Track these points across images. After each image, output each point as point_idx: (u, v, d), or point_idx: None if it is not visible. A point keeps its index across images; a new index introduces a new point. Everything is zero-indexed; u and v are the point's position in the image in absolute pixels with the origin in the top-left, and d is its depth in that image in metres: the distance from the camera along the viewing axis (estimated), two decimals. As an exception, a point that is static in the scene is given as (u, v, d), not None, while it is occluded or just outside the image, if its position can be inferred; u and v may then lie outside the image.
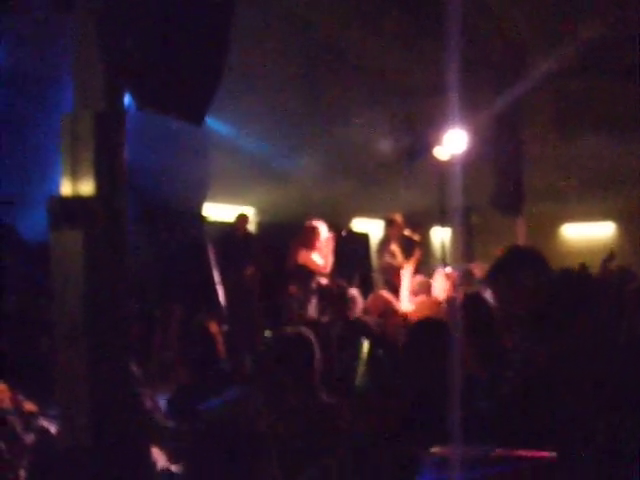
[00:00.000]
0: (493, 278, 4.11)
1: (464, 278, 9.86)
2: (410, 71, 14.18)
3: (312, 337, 4.94)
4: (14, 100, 8.41)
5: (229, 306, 10.77)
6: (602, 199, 17.51)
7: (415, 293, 9.12)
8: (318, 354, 4.91)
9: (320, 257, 10.81)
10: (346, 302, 8.44)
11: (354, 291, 9.01)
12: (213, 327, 6.18)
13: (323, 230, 10.91)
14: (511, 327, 4.12)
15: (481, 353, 4.54)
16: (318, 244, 10.83)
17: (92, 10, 3.91)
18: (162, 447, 4.62)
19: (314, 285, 10.63)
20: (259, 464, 3.98)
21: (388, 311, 7.51)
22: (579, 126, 15.84)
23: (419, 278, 9.84)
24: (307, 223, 11.04)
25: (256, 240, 12.43)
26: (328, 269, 10.90)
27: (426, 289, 9.15)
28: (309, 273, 10.66)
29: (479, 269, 9.94)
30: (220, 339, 6.14)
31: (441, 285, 9.11)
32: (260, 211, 13.51)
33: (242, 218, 12.38)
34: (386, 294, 8.18)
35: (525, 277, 3.92)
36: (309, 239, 10.85)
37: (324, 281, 10.64)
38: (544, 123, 16.52)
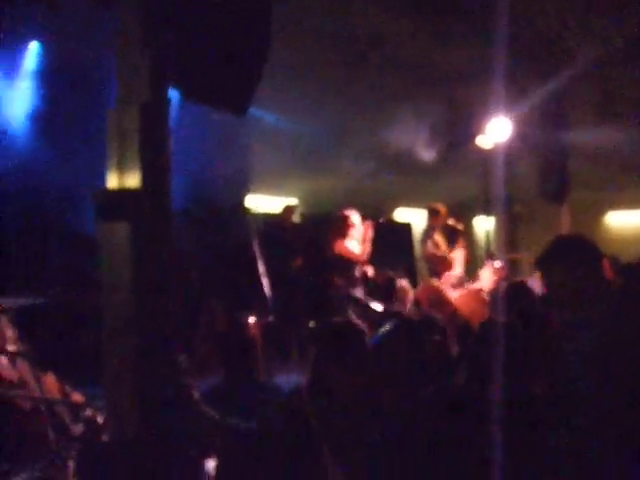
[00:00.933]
0: (541, 265, 4.06)
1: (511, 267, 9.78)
2: (454, 59, 14.10)
3: (363, 327, 4.92)
4: (64, 94, 8.50)
5: (275, 297, 10.77)
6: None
7: (453, 287, 9.09)
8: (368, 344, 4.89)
9: (356, 245, 10.78)
10: (394, 292, 8.40)
11: (404, 282, 8.98)
12: (254, 328, 6.10)
13: (355, 218, 10.86)
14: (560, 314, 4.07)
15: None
16: (351, 232, 10.78)
17: (135, 4, 3.93)
18: (209, 438, 4.64)
19: (357, 274, 10.60)
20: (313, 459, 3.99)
21: (440, 301, 7.42)
22: (623, 113, 15.67)
23: (458, 273, 9.79)
24: (339, 212, 11.02)
25: (303, 231, 12.41)
26: (365, 257, 10.85)
27: (462, 284, 9.12)
28: (348, 262, 10.61)
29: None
30: (259, 341, 6.04)
31: (489, 277, 9.06)
32: (304, 202, 13.52)
33: (289, 209, 12.39)
34: (437, 283, 8.11)
35: (572, 264, 3.87)
36: (342, 228, 10.81)
37: (370, 271, 10.60)
38: (586, 110, 16.36)
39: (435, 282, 8.23)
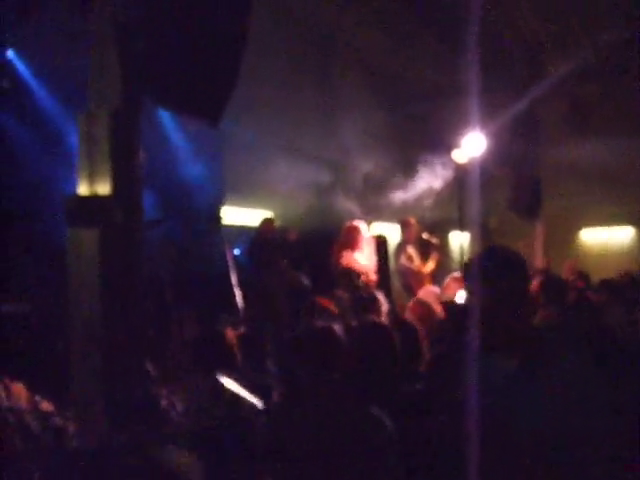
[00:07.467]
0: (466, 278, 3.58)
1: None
2: (428, 74, 14.16)
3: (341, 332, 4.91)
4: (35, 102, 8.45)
5: (254, 308, 10.59)
6: (620, 203, 17.38)
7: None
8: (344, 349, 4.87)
9: (363, 258, 10.61)
10: (374, 304, 8.31)
11: (379, 294, 8.95)
12: (231, 335, 6.09)
13: (364, 229, 10.74)
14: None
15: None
16: (360, 244, 10.62)
17: (110, 12, 3.93)
18: (178, 445, 4.61)
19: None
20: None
21: (429, 315, 7.26)
22: (595, 129, 15.80)
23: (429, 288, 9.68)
24: (347, 223, 10.88)
25: (284, 244, 12.20)
26: (373, 270, 10.69)
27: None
28: (355, 275, 10.34)
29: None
30: (237, 349, 6.03)
31: (454, 289, 9.03)
32: (278, 216, 13.45)
33: (268, 222, 12.11)
34: (427, 298, 7.94)
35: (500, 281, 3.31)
36: (351, 240, 10.63)
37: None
38: (560, 126, 16.48)
39: (427, 296, 8.09)
